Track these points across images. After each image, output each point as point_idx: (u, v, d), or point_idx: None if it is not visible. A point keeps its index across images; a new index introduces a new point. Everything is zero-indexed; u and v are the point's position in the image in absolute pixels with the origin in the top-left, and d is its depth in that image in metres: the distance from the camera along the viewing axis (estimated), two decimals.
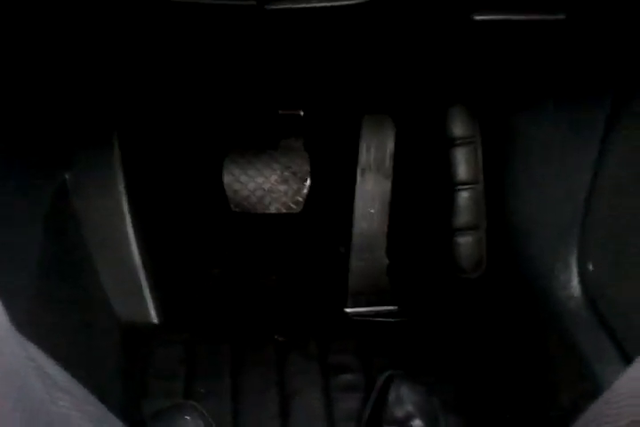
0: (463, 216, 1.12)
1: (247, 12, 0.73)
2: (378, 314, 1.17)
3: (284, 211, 1.30)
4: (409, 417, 0.89)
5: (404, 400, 0.91)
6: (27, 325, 0.74)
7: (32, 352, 0.43)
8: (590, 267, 0.89)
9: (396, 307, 1.18)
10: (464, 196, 1.13)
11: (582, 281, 0.89)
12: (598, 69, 0.90)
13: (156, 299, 1.12)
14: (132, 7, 0.73)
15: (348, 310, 1.18)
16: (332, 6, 0.72)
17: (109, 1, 0.73)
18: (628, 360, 0.77)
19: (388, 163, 1.24)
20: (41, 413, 0.37)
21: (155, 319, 1.11)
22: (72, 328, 0.92)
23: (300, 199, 1.30)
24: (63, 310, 0.91)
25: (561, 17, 0.76)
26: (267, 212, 1.30)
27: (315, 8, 0.72)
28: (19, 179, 0.85)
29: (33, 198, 0.90)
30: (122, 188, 1.11)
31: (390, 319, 1.16)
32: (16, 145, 0.84)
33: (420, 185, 1.27)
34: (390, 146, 1.25)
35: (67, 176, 1.05)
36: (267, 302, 1.20)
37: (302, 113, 1.34)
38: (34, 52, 0.85)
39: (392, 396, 0.92)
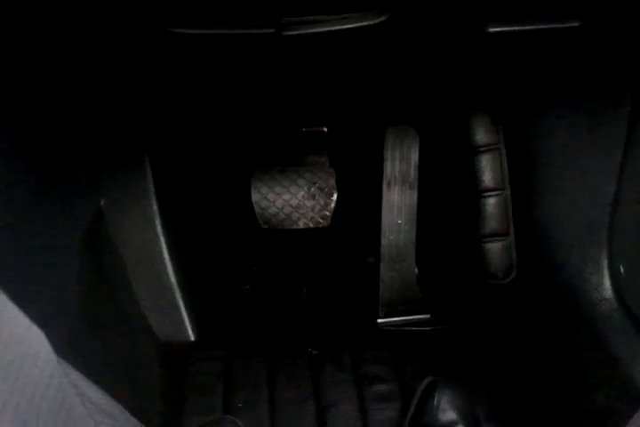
0: (491, 223, 1.12)
1: (266, 39, 0.75)
2: (410, 323, 1.17)
3: (313, 226, 1.31)
4: (452, 423, 0.89)
5: (448, 406, 0.90)
6: (68, 347, 0.77)
7: (74, 378, 0.44)
8: (621, 268, 0.88)
9: (427, 316, 1.18)
10: (491, 202, 1.13)
11: (614, 283, 0.88)
12: (615, 73, 0.89)
13: (192, 316, 1.15)
14: (161, 39, 0.76)
15: (379, 320, 1.18)
16: (347, 29, 0.73)
17: (140, 33, 0.76)
18: None
19: (413, 173, 1.25)
20: None
21: (191, 337, 1.14)
22: (112, 349, 0.94)
23: (328, 214, 1.32)
24: (103, 331, 0.94)
25: (575, 24, 0.76)
26: (295, 227, 1.31)
27: (331, 31, 0.73)
28: (56, 206, 0.88)
29: (70, 224, 0.93)
30: (155, 209, 1.14)
31: (423, 328, 1.16)
32: (52, 173, 0.88)
33: (446, 194, 1.27)
34: (415, 156, 1.26)
35: (102, 201, 1.08)
36: (299, 316, 1.22)
37: (326, 129, 1.36)
38: (67, 79, 0.88)
39: (435, 402, 0.91)
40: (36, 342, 0.36)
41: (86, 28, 0.73)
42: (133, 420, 0.53)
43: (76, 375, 0.45)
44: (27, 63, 0.78)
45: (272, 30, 0.72)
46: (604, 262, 0.90)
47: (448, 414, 0.90)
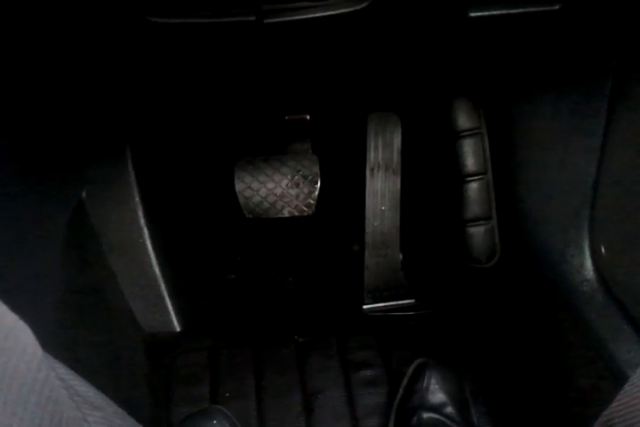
0: (474, 207, 1.13)
1: (247, 27, 0.74)
2: (395, 309, 1.18)
3: (297, 214, 1.31)
4: (442, 404, 0.90)
5: (437, 388, 0.91)
6: (53, 340, 0.77)
7: (61, 372, 0.44)
8: (602, 250, 0.89)
9: (412, 301, 1.19)
10: (473, 187, 1.13)
11: (595, 264, 0.90)
12: (596, 56, 0.90)
13: (177, 307, 1.14)
14: (139, 28, 0.75)
15: (365, 306, 1.19)
16: (329, 15, 0.73)
17: (117, 23, 0.75)
18: None
19: (396, 159, 1.25)
20: None
21: (177, 328, 1.13)
22: (98, 341, 0.94)
23: (312, 202, 1.32)
24: (88, 323, 0.94)
25: (556, 7, 0.76)
26: (280, 216, 1.31)
27: (312, 18, 0.73)
28: (37, 197, 0.87)
29: (52, 215, 0.93)
30: (137, 200, 1.14)
31: (408, 313, 1.17)
32: (33, 164, 0.87)
33: (429, 179, 1.28)
34: (397, 142, 1.26)
35: (83, 193, 1.07)
36: (285, 304, 1.22)
37: (308, 117, 1.36)
38: (47, 71, 0.87)
39: (425, 383, 0.92)
40: (21, 337, 0.36)
41: (63, 18, 0.71)
42: (121, 411, 0.53)
43: (62, 369, 0.45)
44: (6, 54, 0.77)
45: (253, 18, 0.72)
46: (586, 244, 0.91)
47: (437, 395, 0.91)
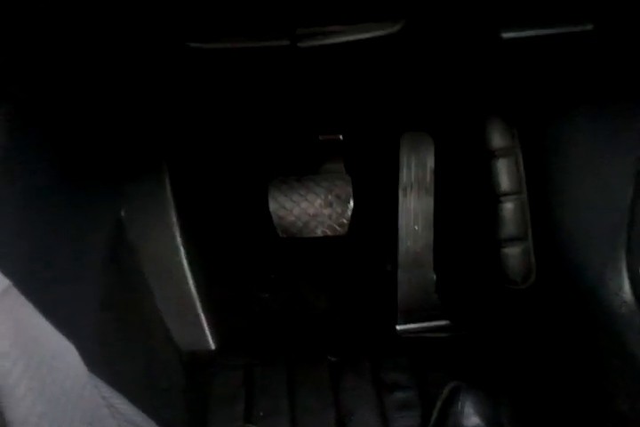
0: (509, 227, 1.12)
1: (282, 51, 0.75)
2: (429, 330, 1.17)
3: (330, 234, 1.32)
4: None
5: (472, 411, 0.90)
6: (93, 358, 0.79)
7: (103, 391, 0.46)
8: None
9: (446, 322, 1.18)
10: (508, 207, 1.12)
11: (634, 286, 0.88)
12: (632, 76, 0.89)
13: (213, 325, 1.16)
14: (179, 52, 0.77)
15: (398, 327, 1.18)
16: (362, 39, 0.74)
17: (157, 48, 0.77)
18: None
19: (430, 179, 1.25)
20: None
21: (212, 345, 1.15)
22: (135, 359, 0.96)
23: (345, 221, 1.32)
24: (126, 341, 0.95)
25: (588, 28, 0.76)
26: (313, 236, 1.32)
27: (346, 42, 0.74)
28: (79, 214, 0.90)
29: (92, 232, 0.95)
30: (174, 219, 1.16)
31: (442, 334, 1.16)
32: (75, 181, 0.90)
33: (462, 199, 1.27)
34: (430, 162, 1.26)
35: (122, 213, 1.10)
36: (318, 323, 1.22)
37: (341, 137, 1.37)
38: (92, 92, 0.90)
39: (459, 407, 0.91)
40: (67, 356, 0.37)
41: (106, 42, 0.74)
42: None
43: (104, 388, 0.46)
44: (53, 78, 0.80)
45: (287, 42, 0.73)
46: (624, 266, 0.90)
47: (472, 419, 0.89)
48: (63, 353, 0.37)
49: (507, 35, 0.76)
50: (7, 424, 0.32)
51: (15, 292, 0.36)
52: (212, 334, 1.15)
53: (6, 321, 0.34)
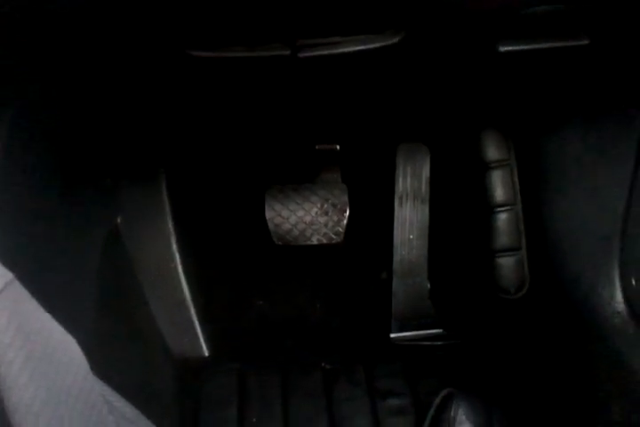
0: (503, 238, 1.13)
1: (282, 61, 0.76)
2: (423, 338, 1.18)
3: (326, 242, 1.32)
4: None
5: (464, 419, 0.90)
6: (87, 363, 0.79)
7: (102, 389, 0.46)
8: (633, 282, 0.89)
9: (440, 330, 1.19)
10: (502, 217, 1.13)
11: (626, 296, 0.89)
12: (626, 89, 0.90)
13: (207, 332, 1.16)
14: (180, 60, 0.78)
15: (392, 335, 1.19)
16: (362, 50, 0.75)
17: (158, 55, 0.78)
18: None
19: (425, 189, 1.26)
20: None
21: (206, 352, 1.15)
22: (129, 365, 0.95)
23: (341, 230, 1.33)
24: (120, 347, 0.95)
25: (584, 42, 0.77)
26: (309, 244, 1.33)
27: (345, 53, 0.75)
28: (74, 224, 0.90)
29: (88, 239, 0.95)
30: (170, 226, 1.16)
31: (435, 343, 1.16)
32: (72, 187, 0.90)
33: (457, 209, 1.28)
34: (426, 172, 1.27)
35: (118, 219, 1.10)
36: (312, 331, 1.22)
37: (338, 147, 1.38)
38: (88, 98, 0.91)
39: (452, 414, 0.90)
40: (69, 349, 0.38)
41: (107, 48, 0.75)
42: None
43: (103, 387, 0.47)
44: (53, 81, 0.81)
45: (288, 52, 0.74)
46: (616, 276, 0.90)
47: (465, 426, 0.89)
48: (65, 346, 0.37)
49: (504, 48, 0.77)
50: (10, 412, 0.33)
51: (18, 285, 0.37)
52: (205, 340, 1.15)
53: (9, 313, 0.34)
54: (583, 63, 0.88)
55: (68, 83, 0.83)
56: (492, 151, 1.15)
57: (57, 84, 0.82)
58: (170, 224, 1.17)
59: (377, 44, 0.74)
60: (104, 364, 0.84)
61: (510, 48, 0.77)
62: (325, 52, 0.75)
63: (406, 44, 0.75)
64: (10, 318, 0.34)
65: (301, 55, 0.74)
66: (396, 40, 0.74)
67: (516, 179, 1.14)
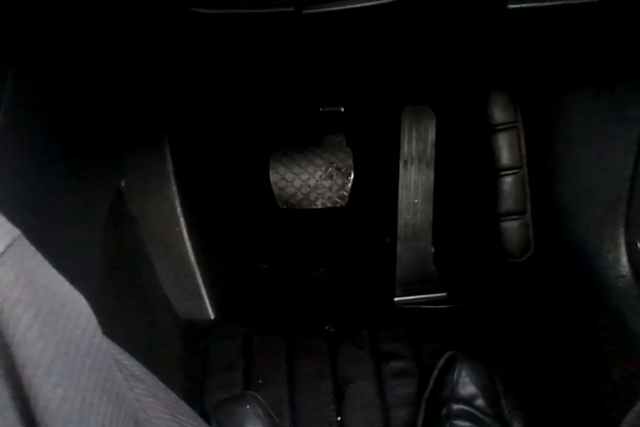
0: (508, 201, 1.13)
1: (286, 18, 0.75)
2: (427, 302, 1.18)
3: (330, 206, 1.32)
4: (473, 397, 0.90)
5: (467, 380, 0.91)
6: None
7: (110, 347, 0.46)
8: (638, 245, 0.88)
9: (444, 294, 1.19)
10: (508, 181, 1.13)
11: (631, 260, 0.89)
12: (635, 49, 0.88)
13: (212, 295, 1.16)
14: (182, 18, 0.76)
15: (396, 299, 1.19)
16: (366, 6, 0.73)
17: (159, 12, 0.77)
18: None
19: (430, 152, 1.25)
20: (119, 397, 0.40)
21: (211, 315, 1.16)
22: (134, 326, 0.96)
23: (345, 193, 1.32)
24: (126, 310, 0.96)
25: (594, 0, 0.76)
26: (313, 207, 1.32)
27: (350, 9, 0.73)
28: (78, 187, 0.90)
29: (92, 202, 0.95)
30: (174, 189, 1.16)
31: (439, 306, 1.17)
32: (75, 151, 0.89)
33: (463, 172, 1.27)
34: (431, 135, 1.25)
35: (123, 183, 1.10)
36: (317, 294, 1.23)
37: (343, 109, 1.36)
38: (90, 61, 0.89)
39: (455, 376, 0.92)
40: (78, 304, 0.38)
41: (107, 6, 0.73)
42: (163, 386, 0.55)
43: (111, 344, 0.47)
44: (54, 43, 0.79)
45: (292, 9, 0.72)
46: (622, 239, 0.90)
47: (468, 388, 0.91)
48: (73, 301, 0.37)
49: (512, 5, 0.75)
50: (19, 367, 0.33)
51: (25, 241, 0.36)
52: (211, 303, 1.16)
53: (17, 269, 0.34)
54: (594, 22, 0.86)
55: (69, 41, 0.82)
56: (499, 113, 1.13)
57: (59, 42, 0.81)
58: (174, 188, 1.16)
59: (383, 1, 0.73)
60: (110, 323, 0.85)
61: (519, 5, 0.75)
62: (330, 9, 0.73)
63: (413, 1, 0.73)
64: (18, 273, 0.34)
65: (306, 12, 0.73)
66: None
67: (523, 142, 1.13)
